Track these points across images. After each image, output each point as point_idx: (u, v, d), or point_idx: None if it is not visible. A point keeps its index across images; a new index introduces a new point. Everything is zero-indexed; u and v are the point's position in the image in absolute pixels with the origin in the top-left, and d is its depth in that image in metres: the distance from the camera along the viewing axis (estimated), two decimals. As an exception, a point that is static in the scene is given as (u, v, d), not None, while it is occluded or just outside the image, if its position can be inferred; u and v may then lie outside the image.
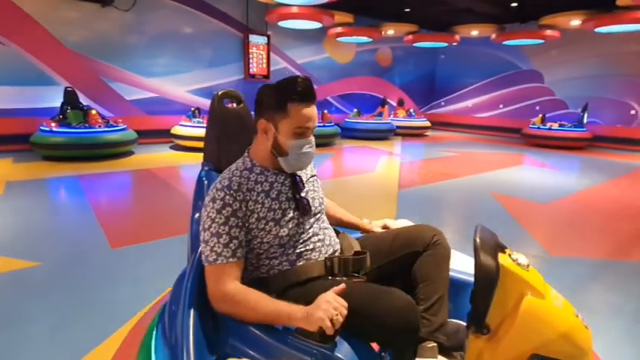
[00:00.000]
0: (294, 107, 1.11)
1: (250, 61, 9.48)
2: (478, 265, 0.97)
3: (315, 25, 8.42)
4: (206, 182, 1.39)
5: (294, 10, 7.52)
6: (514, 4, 9.39)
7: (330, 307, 0.93)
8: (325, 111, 9.23)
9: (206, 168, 1.45)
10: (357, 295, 1.01)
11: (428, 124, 11.81)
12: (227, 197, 1.09)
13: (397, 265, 1.25)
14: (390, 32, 10.59)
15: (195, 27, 8.69)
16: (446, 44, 11.51)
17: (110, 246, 2.98)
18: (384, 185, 5.25)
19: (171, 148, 7.85)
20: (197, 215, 1.31)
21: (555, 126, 9.77)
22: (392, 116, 11.51)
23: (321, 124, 8.74)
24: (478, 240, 1.00)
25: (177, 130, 7.66)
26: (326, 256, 1.19)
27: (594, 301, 2.41)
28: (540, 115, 10.27)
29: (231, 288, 1.05)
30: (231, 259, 1.07)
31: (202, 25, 8.77)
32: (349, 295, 0.99)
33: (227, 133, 1.43)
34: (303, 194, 1.20)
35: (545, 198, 4.79)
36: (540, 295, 0.98)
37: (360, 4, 9.26)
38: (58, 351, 1.79)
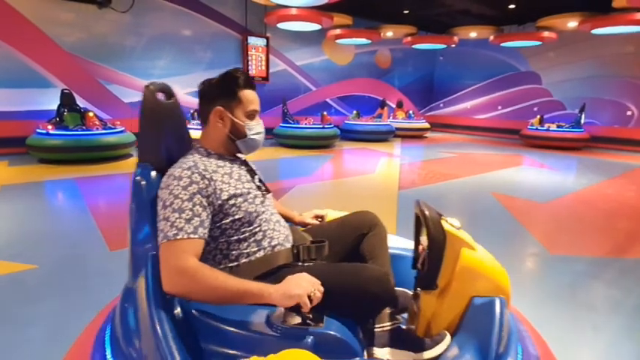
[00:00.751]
0: (243, 93, 1.25)
1: (249, 63, 9.50)
2: (432, 234, 1.13)
3: (314, 26, 8.45)
4: (144, 183, 1.20)
5: (293, 11, 7.55)
6: (512, 6, 9.45)
7: (307, 284, 0.98)
8: (325, 113, 9.24)
9: (141, 169, 1.24)
10: (334, 273, 1.09)
11: (427, 125, 11.84)
12: (194, 175, 1.11)
13: (348, 247, 1.40)
14: (389, 34, 10.65)
15: (193, 29, 8.71)
16: (444, 46, 11.57)
17: (108, 248, 2.96)
18: (384, 186, 5.25)
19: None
20: (135, 221, 1.19)
21: (553, 127, 9.82)
22: (391, 118, 11.54)
23: (320, 126, 8.75)
24: (427, 212, 1.16)
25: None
26: (282, 237, 1.26)
27: (594, 297, 2.41)
28: (538, 116, 10.32)
29: (191, 264, 1.00)
30: (192, 235, 1.03)
31: (201, 27, 8.79)
32: (326, 274, 1.05)
33: (164, 129, 1.27)
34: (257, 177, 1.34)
35: (545, 197, 4.80)
36: (472, 248, 1.18)
37: (358, 5, 9.30)
38: (56, 353, 1.77)
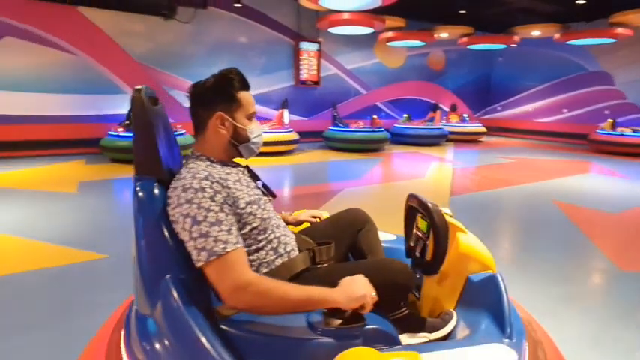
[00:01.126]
0: (242, 95, 1.18)
1: (301, 67, 9.71)
2: (437, 225, 1.25)
3: (366, 30, 8.44)
4: (144, 196, 1.05)
5: (345, 16, 7.60)
6: (581, 2, 8.79)
7: (366, 285, 1.02)
8: (375, 116, 9.20)
9: (141, 182, 1.08)
10: (363, 271, 1.09)
11: (483, 129, 11.34)
12: (215, 185, 1.04)
13: (347, 244, 1.45)
14: (444, 35, 10.35)
15: (249, 36, 9.08)
16: (504, 46, 11.01)
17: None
18: (434, 191, 5.12)
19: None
20: (144, 241, 1.04)
21: (628, 131, 8.97)
22: (444, 121, 11.19)
23: (370, 130, 8.71)
24: (430, 205, 1.30)
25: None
26: (292, 242, 1.25)
27: (674, 321, 2.18)
28: (610, 120, 9.48)
29: (251, 276, 0.97)
30: (238, 245, 0.99)
31: (256, 34, 9.14)
32: (356, 273, 1.07)
33: (159, 137, 1.12)
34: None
35: (615, 208, 4.41)
36: (463, 232, 1.33)
37: (412, 7, 9.15)
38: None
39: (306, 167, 6.70)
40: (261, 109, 9.43)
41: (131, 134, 5.74)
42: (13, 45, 6.86)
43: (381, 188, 5.36)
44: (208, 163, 1.15)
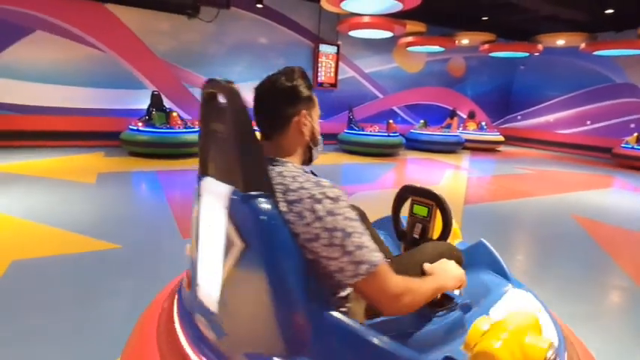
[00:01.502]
0: (314, 95, 1.08)
1: (319, 69, 9.72)
2: (445, 205, 1.56)
3: (386, 34, 8.40)
4: (272, 221, 0.84)
5: (366, 19, 7.58)
6: (609, 11, 8.56)
7: (456, 265, 1.12)
8: (391, 121, 9.13)
9: (258, 200, 0.85)
10: (435, 257, 1.16)
11: (501, 138, 11.14)
12: (342, 192, 0.92)
13: None
14: (465, 41, 10.22)
15: (269, 37, 9.14)
16: (527, 54, 10.80)
17: (182, 236, 3.22)
18: (448, 199, 5.02)
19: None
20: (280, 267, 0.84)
21: (654, 146, 8.69)
22: (461, 129, 11.04)
23: (386, 134, 8.66)
24: (438, 193, 1.58)
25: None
26: None
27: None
28: (636, 134, 9.18)
29: (401, 278, 0.93)
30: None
31: (276, 36, 9.20)
32: (431, 259, 1.14)
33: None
34: None
35: (637, 225, 4.26)
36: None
37: (433, 12, 9.07)
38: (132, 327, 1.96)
39: (319, 169, 6.59)
40: (278, 110, 9.47)
41: (150, 128, 5.85)
42: (43, 39, 7.07)
43: (394, 193, 5.30)
44: (293, 168, 0.97)
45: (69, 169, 5.52)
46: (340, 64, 10.08)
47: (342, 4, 6.26)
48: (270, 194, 0.87)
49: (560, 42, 9.73)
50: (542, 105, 12.61)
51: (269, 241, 0.84)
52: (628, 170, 8.55)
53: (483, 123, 11.47)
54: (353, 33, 8.58)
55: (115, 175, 5.39)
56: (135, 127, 6.88)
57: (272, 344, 0.84)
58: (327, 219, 0.86)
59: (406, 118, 11.66)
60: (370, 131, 8.79)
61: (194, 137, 7.05)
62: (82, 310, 2.07)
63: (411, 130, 10.25)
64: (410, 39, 9.58)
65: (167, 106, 7.56)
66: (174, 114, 7.23)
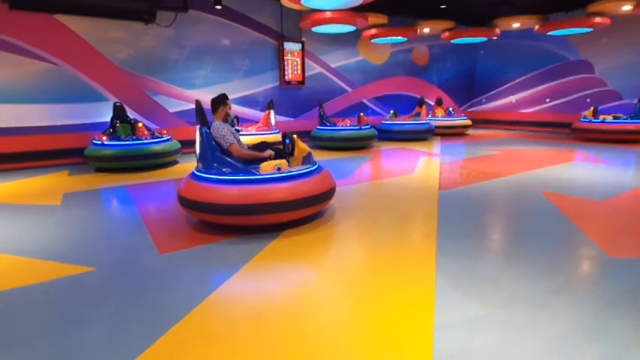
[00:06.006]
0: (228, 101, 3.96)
1: (285, 68, 9.65)
2: (297, 141, 3.94)
3: (349, 28, 8.42)
4: (206, 131, 3.74)
5: (328, 15, 7.57)
6: (559, -8, 8.90)
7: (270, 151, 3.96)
8: (362, 114, 9.17)
9: (205, 128, 3.70)
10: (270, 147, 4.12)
11: (468, 122, 11.42)
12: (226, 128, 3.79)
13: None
14: (426, 30, 10.39)
15: (232, 38, 8.98)
16: (485, 39, 11.10)
17: (158, 252, 3.12)
18: (424, 187, 5.14)
19: (212, 156, 8.12)
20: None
21: (609, 119, 9.14)
22: (430, 116, 11.25)
23: (358, 127, 8.71)
24: (294, 136, 3.97)
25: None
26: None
27: (663, 306, 2.21)
28: (592, 108, 9.64)
29: (237, 148, 3.73)
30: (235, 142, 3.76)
31: (239, 36, 9.05)
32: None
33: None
34: None
35: (601, 195, 4.48)
36: (303, 145, 3.97)
37: (394, 3, 9.16)
38: (112, 352, 1.89)
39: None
40: (247, 112, 9.36)
41: (115, 142, 5.88)
42: (-11, 56, 6.67)
43: (371, 186, 5.35)
44: (220, 122, 3.82)
45: (32, 193, 5.26)
46: (306, 60, 10.04)
47: (303, 1, 6.22)
48: (204, 127, 3.62)
49: (516, 25, 10.04)
50: (504, 87, 13.03)
51: (206, 137, 3.63)
52: (587, 143, 8.97)
53: (451, 109, 11.73)
54: (316, 29, 8.56)
55: (81, 194, 5.17)
56: (99, 142, 6.62)
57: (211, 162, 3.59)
58: (219, 132, 3.68)
59: (376, 109, 11.77)
60: (342, 126, 8.82)
61: (163, 147, 6.87)
62: (56, 342, 1.97)
63: (383, 121, 10.35)
64: (373, 31, 9.65)
65: (131, 117, 7.31)
66: (140, 124, 7.00)
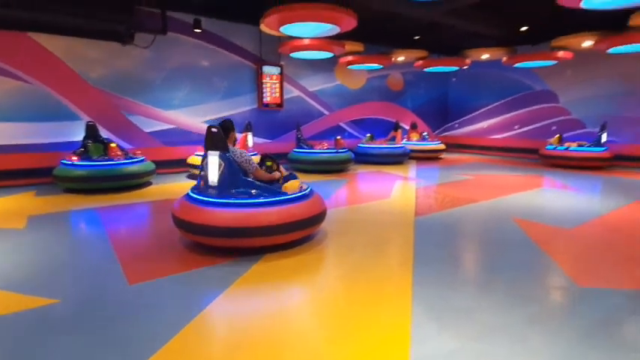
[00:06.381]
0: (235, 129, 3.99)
1: (264, 90, 9.70)
2: (276, 162, 4.31)
3: (326, 54, 8.60)
4: (228, 156, 3.66)
5: (306, 42, 7.71)
6: (524, 28, 9.44)
7: (279, 174, 4.21)
8: (338, 137, 9.28)
9: (225, 153, 3.64)
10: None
11: (442, 146, 11.74)
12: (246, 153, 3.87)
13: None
14: (400, 58, 10.75)
15: (211, 60, 8.99)
16: (456, 68, 11.59)
17: (128, 282, 2.98)
18: (400, 212, 5.18)
19: (188, 177, 7.98)
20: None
21: (574, 146, 9.61)
22: (405, 140, 11.51)
23: (334, 151, 8.78)
24: (274, 158, 4.32)
25: (193, 159, 7.80)
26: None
27: (628, 334, 2.26)
28: (557, 135, 10.14)
29: (262, 172, 3.89)
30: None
31: (218, 59, 9.07)
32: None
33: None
34: None
35: (570, 222, 4.63)
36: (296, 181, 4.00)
37: (370, 33, 9.45)
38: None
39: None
40: (225, 133, 9.28)
41: (86, 162, 5.75)
42: (-46, 72, 6.39)
43: (348, 211, 5.35)
44: (234, 147, 3.80)
45: (-7, 215, 4.96)
46: (285, 84, 10.14)
47: (281, 29, 6.32)
48: (225, 152, 3.57)
49: (485, 56, 10.55)
50: (476, 113, 13.54)
51: (228, 163, 3.56)
52: (554, 169, 9.36)
53: (425, 133, 12.04)
54: (295, 54, 8.69)
55: (48, 216, 4.92)
56: (69, 162, 6.38)
57: (229, 187, 3.58)
58: (243, 157, 3.71)
59: (353, 133, 11.94)
60: (319, 149, 8.87)
61: (137, 168, 6.68)
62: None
63: (359, 145, 10.50)
64: (350, 58, 9.89)
65: (105, 137, 7.11)
66: (113, 144, 6.82)
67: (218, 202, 3.47)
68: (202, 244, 3.63)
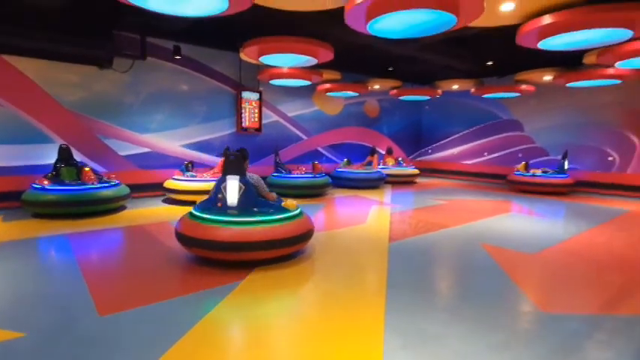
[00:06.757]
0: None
1: (243, 115, 9.80)
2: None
3: (304, 82, 8.82)
4: (247, 181, 4.18)
5: (285, 70, 7.92)
6: (489, 63, 10.02)
7: (274, 195, 4.67)
8: (316, 162, 9.41)
9: (244, 178, 4.12)
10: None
11: (416, 172, 12.06)
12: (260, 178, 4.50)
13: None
14: (376, 87, 11.16)
15: (190, 85, 9.04)
16: (429, 97, 12.10)
17: (98, 313, 2.90)
18: (375, 237, 5.28)
19: (164, 201, 7.86)
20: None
21: (538, 172, 10.08)
22: (381, 164, 11.77)
23: (312, 175, 8.88)
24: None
25: (170, 183, 7.71)
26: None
27: (587, 359, 2.38)
28: (524, 162, 10.62)
29: (270, 194, 4.47)
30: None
31: (197, 84, 9.14)
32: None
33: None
34: None
35: (534, 248, 4.84)
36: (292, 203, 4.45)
37: (346, 63, 9.79)
38: None
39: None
40: (203, 157, 9.27)
41: (57, 186, 5.62)
42: None
43: (324, 237, 5.39)
44: (248, 173, 4.33)
45: (-46, 242, 4.73)
46: (263, 109, 10.28)
47: (261, 59, 6.49)
48: (244, 177, 4.10)
49: (455, 87, 11.09)
50: (448, 139, 14.06)
51: (247, 185, 4.06)
52: (521, 194, 9.76)
53: (400, 158, 12.37)
54: (274, 82, 8.87)
55: (14, 243, 4.73)
56: (39, 186, 6.19)
57: (249, 206, 4.07)
58: (259, 183, 4.36)
59: (330, 157, 12.13)
60: (297, 173, 8.96)
61: (110, 193, 6.54)
62: None
63: (336, 169, 10.66)
64: (327, 85, 10.18)
65: (79, 160, 6.96)
66: (87, 168, 6.67)
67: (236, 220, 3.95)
68: (208, 259, 3.92)
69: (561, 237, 5.47)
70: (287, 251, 4.08)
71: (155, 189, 8.28)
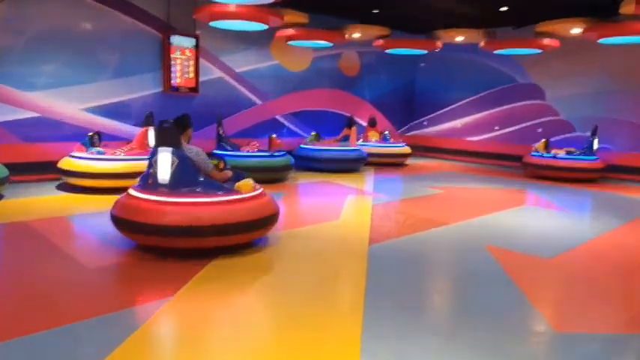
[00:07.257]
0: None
1: (172, 69, 9.55)
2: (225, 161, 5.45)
3: (259, 26, 8.69)
4: (182, 154, 4.54)
5: (232, 7, 7.74)
6: (504, 8, 10.23)
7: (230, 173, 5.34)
8: (274, 135, 9.39)
9: (179, 150, 4.49)
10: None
11: (407, 150, 12.29)
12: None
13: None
14: (356, 35, 11.12)
15: (96, 24, 8.68)
16: (425, 52, 12.24)
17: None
18: (351, 238, 5.37)
19: (59, 188, 7.61)
20: None
21: (561, 153, 10.52)
22: (361, 140, 11.88)
23: (268, 154, 8.86)
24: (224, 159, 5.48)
25: (67, 163, 7.44)
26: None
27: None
28: (543, 140, 11.00)
29: (216, 172, 4.93)
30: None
31: (107, 22, 8.78)
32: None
33: None
34: None
35: (551, 251, 5.11)
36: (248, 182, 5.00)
37: (316, 1, 9.70)
38: None
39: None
40: (115, 126, 9.00)
41: None
42: None
43: (284, 238, 5.40)
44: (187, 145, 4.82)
45: None
46: (202, 61, 10.06)
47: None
48: (179, 149, 4.48)
49: (459, 38, 11.27)
50: (449, 108, 14.36)
51: (183, 160, 4.44)
52: (539, 181, 10.20)
53: (387, 132, 12.54)
54: (216, 23, 8.67)
55: None
56: None
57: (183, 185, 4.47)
58: (199, 157, 4.71)
59: (294, 129, 12.12)
60: (248, 151, 8.90)
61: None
62: None
63: (301, 146, 10.67)
64: (290, 31, 10.07)
65: None
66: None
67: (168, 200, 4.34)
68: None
69: (585, 237, 5.80)
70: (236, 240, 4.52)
71: (45, 170, 7.96)
